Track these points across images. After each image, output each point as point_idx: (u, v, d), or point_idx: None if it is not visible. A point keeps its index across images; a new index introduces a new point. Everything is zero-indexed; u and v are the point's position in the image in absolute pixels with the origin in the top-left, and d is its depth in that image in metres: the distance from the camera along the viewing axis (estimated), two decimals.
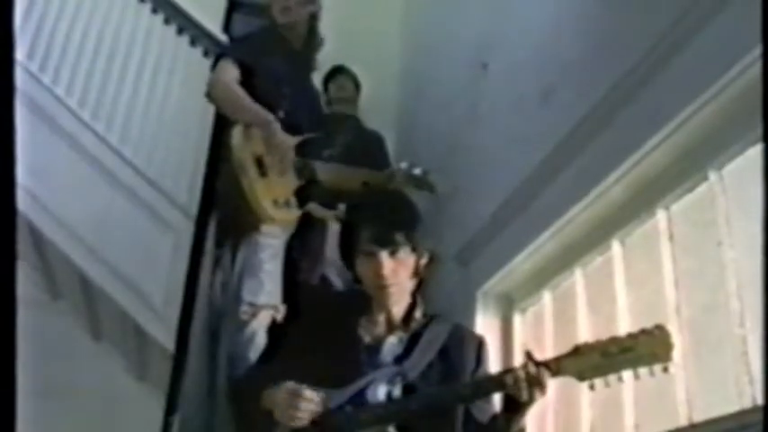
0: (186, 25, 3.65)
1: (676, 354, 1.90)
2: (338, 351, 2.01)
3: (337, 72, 4.13)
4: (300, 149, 2.87)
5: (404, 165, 3.38)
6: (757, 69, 1.67)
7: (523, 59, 3.02)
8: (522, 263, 2.73)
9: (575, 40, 2.62)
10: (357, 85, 4.18)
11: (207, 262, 2.65)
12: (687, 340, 1.95)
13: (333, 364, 2.02)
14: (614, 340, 1.63)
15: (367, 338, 2.01)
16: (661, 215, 2.13)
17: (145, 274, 3.12)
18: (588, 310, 2.43)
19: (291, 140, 2.80)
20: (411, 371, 1.96)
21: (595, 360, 1.61)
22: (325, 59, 3.99)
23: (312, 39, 3.12)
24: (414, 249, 2.00)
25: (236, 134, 2.68)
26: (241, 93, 2.77)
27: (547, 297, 2.69)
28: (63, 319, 3.75)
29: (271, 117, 2.72)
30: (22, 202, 3.10)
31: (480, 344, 2.04)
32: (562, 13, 2.78)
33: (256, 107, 2.73)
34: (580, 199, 2.36)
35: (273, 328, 2.54)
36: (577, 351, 1.65)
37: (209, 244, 2.68)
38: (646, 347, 1.58)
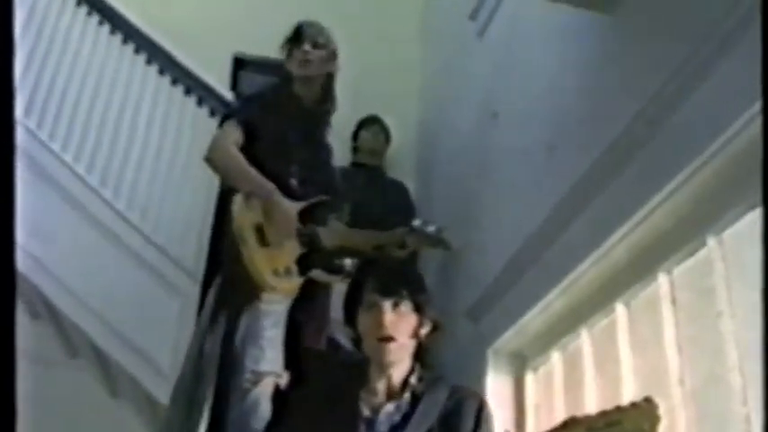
0: (193, 85, 3.68)
1: (680, 427, 1.85)
2: (338, 426, 1.99)
3: (373, 122, 4.15)
4: (307, 214, 2.84)
5: (417, 222, 3.35)
6: (757, 127, 1.61)
7: (529, 112, 2.97)
8: (533, 321, 2.66)
9: (576, 95, 2.57)
10: (388, 138, 4.19)
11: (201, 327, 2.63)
12: (691, 413, 1.86)
13: None
14: (602, 414, 1.57)
15: (366, 411, 1.99)
16: (663, 279, 2.06)
17: (152, 338, 3.12)
18: (595, 372, 2.35)
19: (294, 208, 2.77)
20: None
21: None
22: (346, 112, 4.05)
23: (327, 98, 3.07)
24: (417, 309, 1.99)
25: (237, 202, 2.67)
26: (241, 159, 2.76)
27: (556, 356, 2.61)
28: (81, 376, 3.76)
29: (271, 187, 2.70)
30: (29, 267, 3.17)
31: (480, 405, 2.00)
32: (566, 67, 2.73)
33: (256, 176, 2.71)
34: (585, 258, 2.29)
35: (278, 397, 2.50)
36: (565, 427, 1.59)
37: (207, 309, 2.66)
38: (632, 422, 1.52)
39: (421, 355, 2.08)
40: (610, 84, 2.35)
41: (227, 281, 2.72)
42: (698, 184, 1.87)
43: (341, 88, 3.98)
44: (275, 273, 2.61)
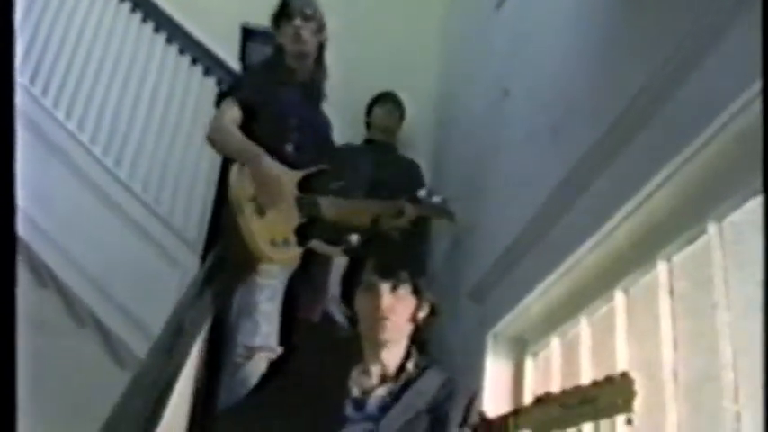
0: (200, 55, 3.63)
1: (671, 422, 1.78)
2: (324, 403, 1.96)
3: (387, 99, 4.06)
4: (307, 184, 2.80)
5: (422, 193, 3.28)
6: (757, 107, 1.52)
7: (537, 92, 2.89)
8: (533, 305, 2.59)
9: (583, 74, 2.48)
10: (402, 116, 4.10)
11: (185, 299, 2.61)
12: (683, 408, 1.79)
13: (317, 416, 1.97)
14: (577, 390, 1.52)
15: (355, 391, 1.96)
16: (662, 267, 1.97)
17: (152, 310, 3.10)
18: (592, 361, 2.28)
19: (291, 175, 2.73)
20: (385, 427, 1.89)
21: (555, 412, 1.51)
22: (365, 87, 3.99)
23: (320, 68, 3.04)
24: (415, 292, 1.97)
25: (234, 172, 2.64)
26: (235, 132, 2.72)
27: (555, 342, 2.54)
28: (89, 346, 3.76)
29: (258, 150, 2.67)
30: (32, 235, 3.16)
31: (471, 399, 1.96)
32: (576, 43, 2.63)
33: (245, 144, 2.68)
34: (585, 241, 2.22)
35: (270, 367, 2.47)
36: (539, 402, 1.55)
37: (194, 281, 2.64)
38: (607, 397, 1.47)
39: (417, 338, 2.04)
40: (614, 63, 2.26)
41: (222, 253, 2.69)
42: (700, 167, 1.78)
43: (358, 63, 3.97)
44: (273, 243, 2.58)
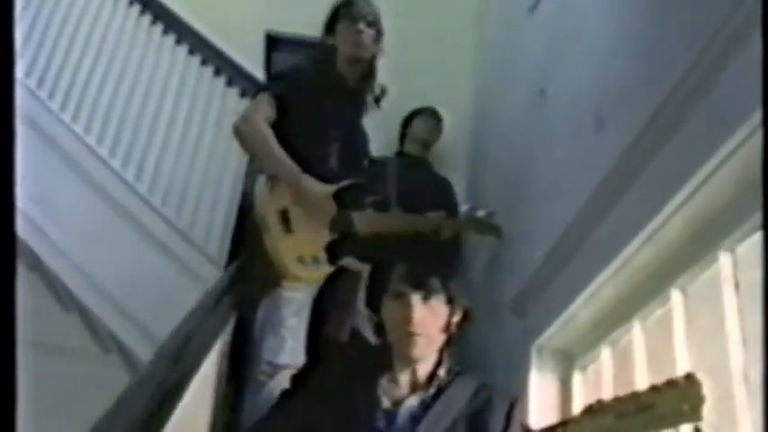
0: (223, 65, 3.52)
1: (743, 430, 1.57)
2: (354, 415, 1.78)
3: (430, 113, 3.92)
4: (340, 197, 2.64)
5: (465, 207, 3.11)
6: None
7: (578, 87, 2.71)
8: (579, 313, 2.38)
9: (625, 64, 2.32)
10: (440, 132, 3.97)
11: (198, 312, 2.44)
12: (757, 414, 1.57)
13: (346, 430, 1.79)
14: (634, 396, 1.32)
15: (386, 402, 1.77)
16: (725, 259, 1.77)
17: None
18: (648, 370, 2.06)
19: (326, 190, 2.58)
20: None
21: (608, 423, 1.31)
22: (397, 101, 3.85)
23: (370, 79, 2.88)
24: (449, 301, 1.78)
25: (260, 184, 2.49)
26: (270, 136, 2.58)
27: (606, 353, 2.33)
28: (115, 372, 3.62)
29: (297, 170, 2.51)
30: (48, 254, 3.05)
31: (512, 404, 1.76)
32: (616, 35, 2.47)
33: (282, 156, 2.53)
34: (634, 237, 2.02)
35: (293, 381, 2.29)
36: (589, 412, 1.35)
37: (210, 294, 2.48)
38: (669, 403, 1.27)
39: (449, 345, 1.85)
40: (658, 51, 2.08)
41: (244, 266, 2.54)
42: (753, 150, 1.58)
43: (392, 77, 3.84)
44: (300, 261, 2.42)
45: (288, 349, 2.37)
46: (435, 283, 1.75)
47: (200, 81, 3.57)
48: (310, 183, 2.54)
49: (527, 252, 2.88)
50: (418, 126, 3.91)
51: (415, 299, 1.72)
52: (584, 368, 2.48)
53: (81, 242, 3.12)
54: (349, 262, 2.54)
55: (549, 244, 2.60)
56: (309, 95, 2.71)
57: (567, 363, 2.53)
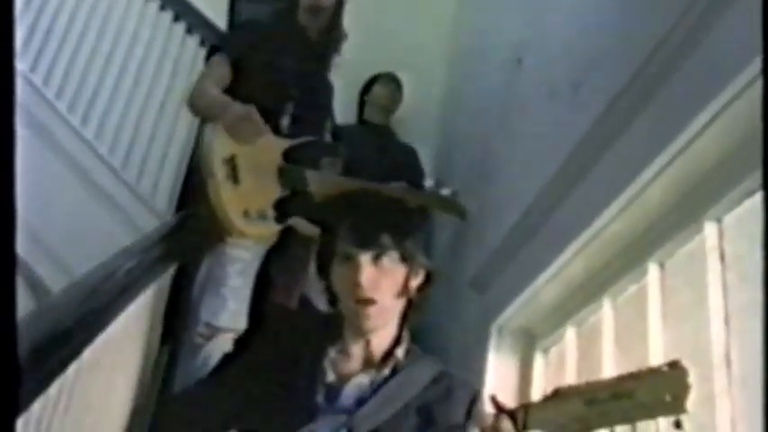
0: (183, 12, 3.28)
1: (724, 418, 1.42)
2: (292, 388, 1.58)
3: (390, 78, 3.76)
4: (294, 156, 2.45)
5: (429, 182, 2.93)
6: None
7: (555, 54, 2.56)
8: (543, 291, 2.23)
9: (603, 29, 2.16)
10: (401, 97, 3.81)
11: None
12: (738, 401, 1.42)
13: (282, 404, 1.59)
14: (608, 382, 1.16)
15: (331, 376, 1.56)
16: (710, 229, 1.61)
17: None
18: (617, 352, 1.91)
19: (277, 142, 2.40)
20: (362, 422, 1.51)
21: (577, 410, 1.14)
22: (369, 66, 3.67)
23: (334, 29, 2.68)
24: (404, 260, 1.54)
25: (207, 132, 2.28)
26: (214, 93, 2.38)
27: (570, 334, 2.18)
28: None
29: (228, 99, 2.32)
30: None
31: (474, 399, 1.56)
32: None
33: (217, 97, 2.33)
34: (607, 207, 1.87)
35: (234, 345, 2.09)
36: (556, 396, 1.18)
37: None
38: (649, 393, 1.10)
39: (409, 314, 1.64)
40: (635, 13, 1.94)
41: (189, 217, 2.33)
42: (749, 106, 1.43)
43: (363, 40, 3.66)
44: (245, 215, 2.22)
45: (229, 311, 2.18)
46: (386, 239, 1.53)
47: (158, 28, 3.33)
48: (240, 107, 2.33)
49: (490, 226, 2.73)
50: (377, 91, 3.76)
51: (364, 259, 1.50)
52: (546, 350, 2.34)
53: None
54: (298, 222, 2.34)
55: (510, 218, 2.45)
56: (267, 50, 2.51)
57: (528, 343, 2.39)
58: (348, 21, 2.70)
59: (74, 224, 2.83)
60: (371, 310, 1.49)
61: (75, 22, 3.29)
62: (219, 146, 2.27)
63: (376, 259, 1.50)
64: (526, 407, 1.26)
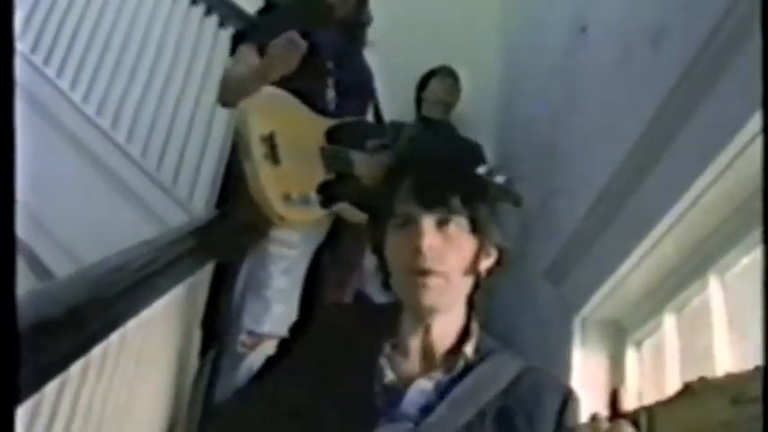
0: (215, 4, 3.10)
1: None
2: (346, 393, 1.31)
3: (447, 72, 3.58)
4: (337, 135, 2.22)
5: (483, 170, 2.66)
6: None
7: (627, 8, 2.27)
8: (631, 277, 1.94)
9: None
10: (459, 92, 3.63)
11: None
12: None
13: (335, 412, 1.33)
14: (753, 377, 0.87)
15: (389, 376, 1.29)
16: None
17: None
18: (730, 338, 1.61)
19: (320, 122, 2.17)
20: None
21: (721, 411, 0.85)
22: (420, 60, 3.44)
23: (363, 8, 2.48)
24: (475, 230, 1.27)
25: (243, 109, 2.06)
26: (244, 71, 2.17)
27: (669, 322, 1.87)
28: None
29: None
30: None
31: (566, 400, 1.27)
32: None
33: (254, 67, 2.11)
34: (701, 173, 1.57)
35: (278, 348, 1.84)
36: (688, 392, 0.89)
37: None
38: None
39: (476, 300, 1.36)
40: None
41: (227, 213, 2.11)
42: None
43: (415, 35, 3.44)
44: (286, 198, 1.98)
45: (273, 315, 1.95)
46: (455, 201, 1.27)
47: (188, 21, 3.16)
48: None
49: (565, 213, 2.44)
50: (435, 87, 3.59)
51: (426, 223, 1.24)
52: (639, 342, 2.03)
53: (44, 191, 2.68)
54: (345, 208, 2.10)
55: (587, 200, 2.17)
56: (299, 29, 2.30)
57: (617, 336, 2.09)
58: (395, 17, 2.51)
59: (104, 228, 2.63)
60: (433, 279, 1.23)
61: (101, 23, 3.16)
62: (257, 122, 2.04)
63: (441, 225, 1.24)
64: (650, 409, 0.97)
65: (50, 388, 0.91)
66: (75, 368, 0.96)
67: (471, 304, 1.35)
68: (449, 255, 1.24)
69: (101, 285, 1.05)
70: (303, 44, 1.99)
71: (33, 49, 3.06)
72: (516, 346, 2.27)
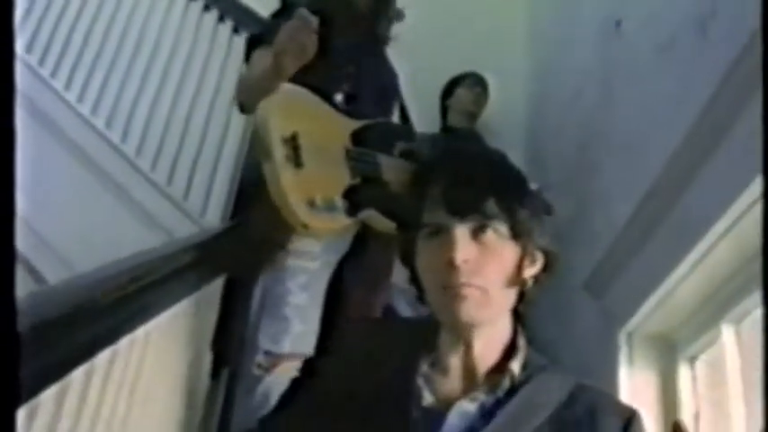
0: (229, 9, 2.98)
1: None
2: (379, 418, 1.18)
3: (474, 79, 3.39)
4: (363, 138, 2.08)
5: None
6: None
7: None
8: (681, 287, 1.76)
9: None
10: (486, 100, 3.44)
11: None
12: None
13: None
14: None
15: (428, 398, 1.16)
16: None
17: None
18: None
19: (344, 122, 2.04)
20: None
21: None
22: (443, 65, 3.29)
23: (385, 3, 2.33)
24: (516, 236, 1.14)
25: (262, 108, 1.92)
26: (257, 71, 2.04)
27: (727, 334, 1.69)
28: None
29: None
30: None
31: (629, 422, 1.12)
32: None
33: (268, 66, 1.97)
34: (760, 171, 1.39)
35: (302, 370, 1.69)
36: None
37: None
38: None
39: (522, 312, 1.21)
40: None
41: (242, 224, 1.97)
42: None
43: (434, 40, 3.29)
44: (310, 204, 1.83)
45: (292, 334, 1.80)
46: (491, 206, 1.12)
47: (201, 29, 3.04)
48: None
49: (604, 221, 2.28)
50: (461, 95, 3.39)
51: (460, 231, 1.10)
52: (692, 358, 1.85)
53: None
54: (372, 216, 1.94)
55: (628, 204, 2.00)
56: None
57: (668, 352, 1.91)
58: (418, 23, 2.39)
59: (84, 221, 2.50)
60: (470, 290, 1.09)
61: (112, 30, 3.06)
62: (278, 122, 1.90)
63: (477, 233, 1.11)
64: None
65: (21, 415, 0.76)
66: (49, 393, 0.82)
67: (517, 316, 1.20)
68: (487, 266, 1.11)
69: (82, 297, 0.91)
70: (313, 19, 1.84)
71: (41, 61, 2.96)
72: (554, 361, 2.13)
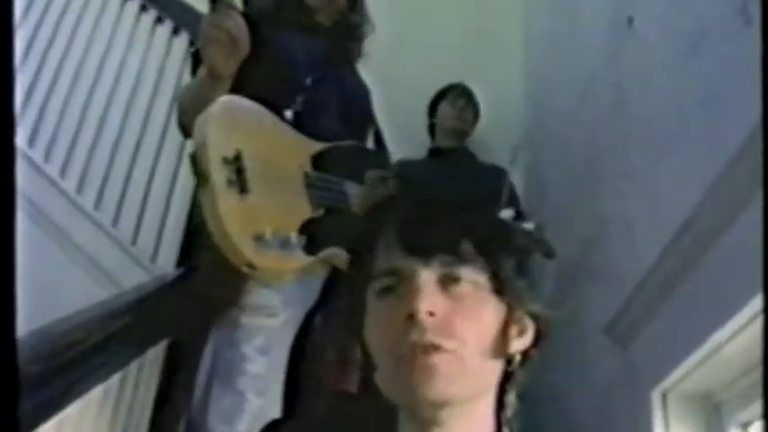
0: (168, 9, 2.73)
1: None
2: None
3: (458, 92, 3.02)
4: (327, 163, 1.74)
5: (507, 213, 2.19)
6: None
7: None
8: (730, 338, 1.42)
9: None
10: (477, 115, 3.06)
11: None
12: None
13: None
14: None
15: None
16: None
17: None
18: None
19: (304, 145, 1.70)
20: None
21: None
22: (426, 78, 2.97)
23: (353, 14, 2.01)
24: (499, 291, 0.83)
25: (199, 122, 1.58)
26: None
27: None
28: None
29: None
30: None
31: None
32: None
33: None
34: None
35: None
36: None
37: None
38: None
39: (507, 391, 0.86)
40: None
41: (189, 271, 1.62)
42: None
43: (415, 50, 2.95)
44: (257, 239, 1.47)
45: (249, 412, 1.45)
46: (466, 246, 0.80)
47: (137, 31, 2.79)
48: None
49: (625, 254, 1.94)
50: (444, 112, 3.01)
51: (425, 276, 0.79)
52: (745, 425, 1.51)
53: None
54: (337, 254, 1.59)
55: (660, 238, 1.66)
56: (269, 36, 1.84)
57: (714, 416, 1.57)
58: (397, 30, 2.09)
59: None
60: (439, 358, 0.77)
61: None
62: (218, 138, 1.55)
63: (447, 283, 0.80)
64: None
65: None
66: None
67: (500, 404, 0.85)
68: (461, 324, 0.79)
69: None
70: (236, 5, 1.55)
71: None
72: (567, 419, 1.80)
